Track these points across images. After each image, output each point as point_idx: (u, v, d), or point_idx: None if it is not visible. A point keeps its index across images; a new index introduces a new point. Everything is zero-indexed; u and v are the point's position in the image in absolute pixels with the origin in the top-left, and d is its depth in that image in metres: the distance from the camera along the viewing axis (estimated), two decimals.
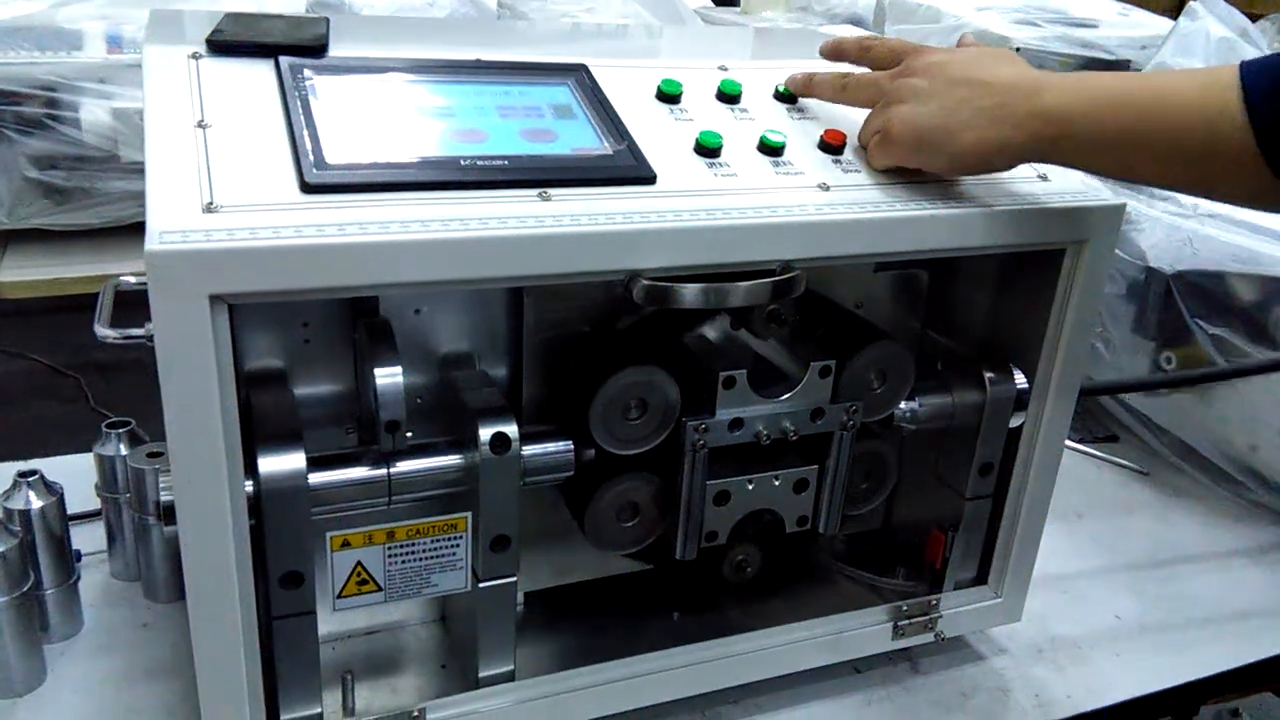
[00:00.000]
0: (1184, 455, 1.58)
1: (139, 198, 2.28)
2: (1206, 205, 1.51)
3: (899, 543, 1.20)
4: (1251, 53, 1.75)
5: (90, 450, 1.15)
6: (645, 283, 0.84)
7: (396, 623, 1.08)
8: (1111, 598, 1.30)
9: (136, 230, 2.31)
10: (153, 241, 0.69)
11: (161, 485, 0.81)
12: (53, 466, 1.08)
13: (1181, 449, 1.58)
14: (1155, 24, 2.97)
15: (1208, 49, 1.76)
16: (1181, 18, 1.84)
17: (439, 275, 0.78)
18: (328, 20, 0.97)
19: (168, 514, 0.80)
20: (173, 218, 0.72)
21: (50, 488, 1.05)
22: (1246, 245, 1.44)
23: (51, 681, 1.04)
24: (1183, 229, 1.50)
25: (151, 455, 1.11)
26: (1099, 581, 1.33)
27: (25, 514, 1.03)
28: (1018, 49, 2.80)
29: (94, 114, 1.97)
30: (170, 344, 0.71)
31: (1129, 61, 2.78)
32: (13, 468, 1.31)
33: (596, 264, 0.83)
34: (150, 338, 0.88)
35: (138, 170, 2.16)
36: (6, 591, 0.97)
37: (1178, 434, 1.57)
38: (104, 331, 0.88)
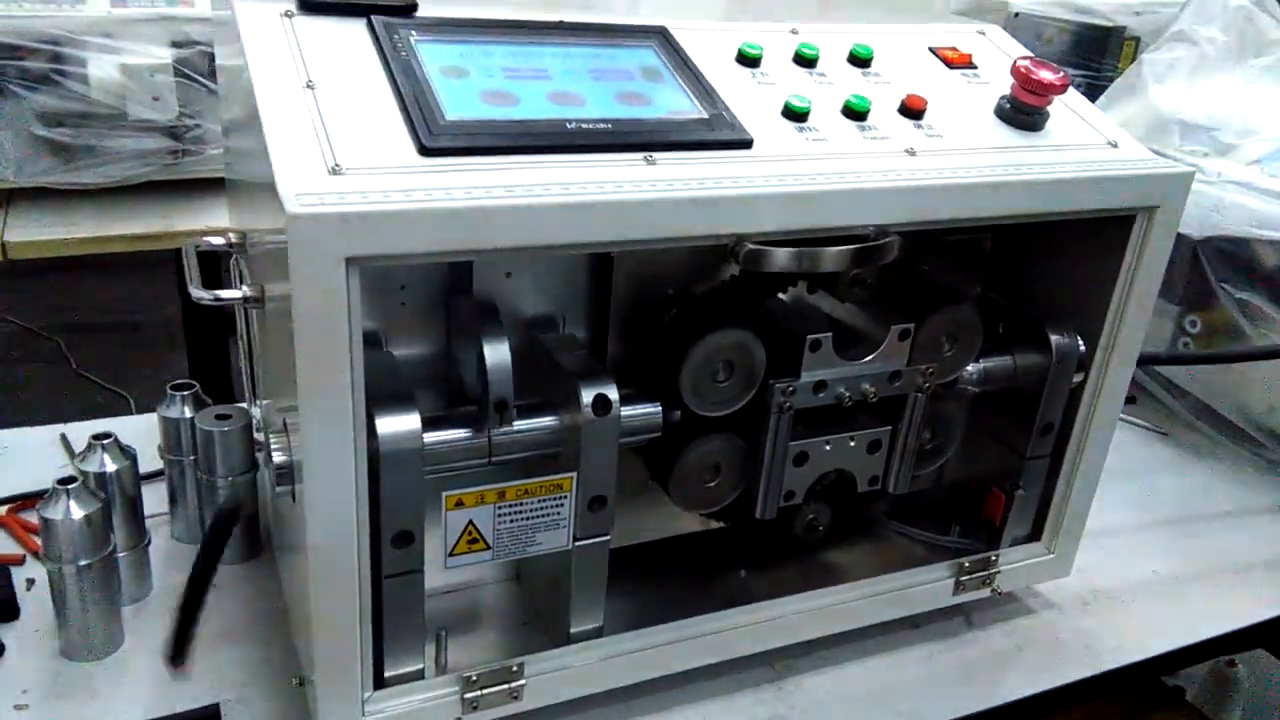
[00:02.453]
0: (1200, 415, 1.63)
1: (148, 157, 2.23)
2: (1231, 172, 1.55)
3: (952, 501, 1.23)
4: (1269, 22, 1.78)
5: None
6: (750, 247, 0.85)
7: (472, 581, 1.09)
8: (1147, 552, 1.34)
9: (143, 190, 2.26)
10: (291, 204, 0.69)
11: (274, 447, 0.81)
12: (81, 429, 1.06)
13: (1198, 409, 1.63)
14: None
15: (1225, 17, 1.79)
16: None
17: (558, 239, 0.78)
18: None
19: (282, 475, 0.80)
20: (302, 180, 0.71)
21: (124, 450, 1.04)
22: (1273, 211, 1.47)
23: (129, 644, 1.04)
24: (1209, 195, 1.54)
25: (220, 417, 1.10)
26: (1133, 537, 1.38)
27: (102, 476, 1.02)
28: (1016, 14, 2.82)
29: (103, 69, 1.92)
30: (307, 306, 0.70)
31: (1124, 28, 2.81)
32: (42, 431, 1.30)
33: (703, 228, 0.84)
34: (246, 299, 0.87)
35: (147, 129, 2.11)
36: (90, 555, 0.97)
37: (1197, 395, 1.62)
38: (199, 293, 0.87)
